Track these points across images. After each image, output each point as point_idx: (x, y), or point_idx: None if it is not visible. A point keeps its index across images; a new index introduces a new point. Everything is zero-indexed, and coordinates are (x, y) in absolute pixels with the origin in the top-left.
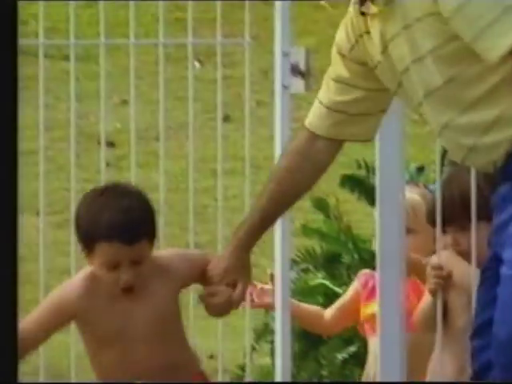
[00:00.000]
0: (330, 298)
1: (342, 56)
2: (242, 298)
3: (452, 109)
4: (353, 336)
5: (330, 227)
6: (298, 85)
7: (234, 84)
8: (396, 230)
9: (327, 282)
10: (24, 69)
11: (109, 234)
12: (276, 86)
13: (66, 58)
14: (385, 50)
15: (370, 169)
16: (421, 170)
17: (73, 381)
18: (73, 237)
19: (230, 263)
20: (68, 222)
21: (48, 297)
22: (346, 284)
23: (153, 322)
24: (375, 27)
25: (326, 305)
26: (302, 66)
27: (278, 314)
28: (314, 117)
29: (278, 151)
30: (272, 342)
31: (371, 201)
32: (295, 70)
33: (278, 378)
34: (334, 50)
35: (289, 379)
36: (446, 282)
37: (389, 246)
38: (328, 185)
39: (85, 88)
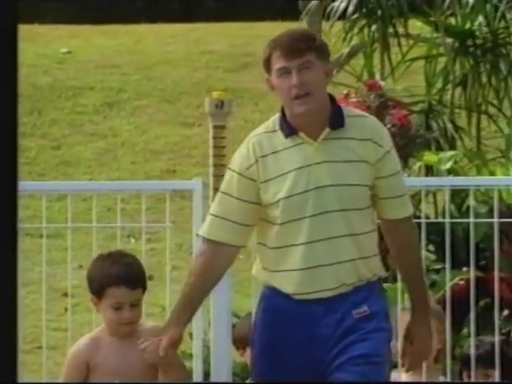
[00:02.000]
0: None
1: (239, 174)
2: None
3: (351, 228)
4: None
5: None
6: None
7: (157, 254)
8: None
9: None
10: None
11: (117, 281)
12: (194, 255)
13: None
14: (302, 168)
15: None
16: None
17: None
18: None
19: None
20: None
21: (65, 362)
22: None
23: (143, 364)
24: (299, 149)
25: None
26: None
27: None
28: (206, 227)
29: None
30: None
31: None
32: None
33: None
34: (230, 170)
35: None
36: None
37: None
38: None
39: (55, 257)
